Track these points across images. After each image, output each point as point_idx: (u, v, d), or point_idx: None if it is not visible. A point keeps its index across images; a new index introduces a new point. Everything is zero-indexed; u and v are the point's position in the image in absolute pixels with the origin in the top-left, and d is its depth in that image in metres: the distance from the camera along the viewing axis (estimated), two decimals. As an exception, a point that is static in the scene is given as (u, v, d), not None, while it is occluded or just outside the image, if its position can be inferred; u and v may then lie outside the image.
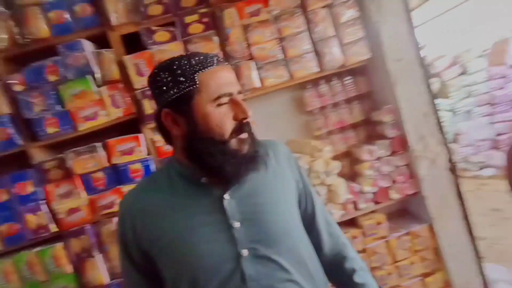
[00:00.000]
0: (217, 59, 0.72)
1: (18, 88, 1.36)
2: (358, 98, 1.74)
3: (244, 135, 0.71)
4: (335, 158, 1.66)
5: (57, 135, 1.40)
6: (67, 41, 1.38)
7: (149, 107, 1.43)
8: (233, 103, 0.70)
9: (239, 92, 0.73)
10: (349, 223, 1.69)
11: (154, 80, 0.72)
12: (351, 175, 1.76)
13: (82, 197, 1.41)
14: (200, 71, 0.68)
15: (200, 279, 0.69)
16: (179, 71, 0.69)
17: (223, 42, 1.50)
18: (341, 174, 1.65)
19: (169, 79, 0.69)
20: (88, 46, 1.41)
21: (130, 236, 0.74)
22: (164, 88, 0.69)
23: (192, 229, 0.70)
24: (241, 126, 0.70)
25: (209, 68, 0.69)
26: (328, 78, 1.68)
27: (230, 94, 0.70)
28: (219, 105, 0.69)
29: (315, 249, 0.83)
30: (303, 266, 0.75)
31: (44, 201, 1.40)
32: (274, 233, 0.72)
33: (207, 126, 0.69)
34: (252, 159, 0.71)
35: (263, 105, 1.74)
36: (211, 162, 0.69)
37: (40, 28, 1.36)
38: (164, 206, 0.73)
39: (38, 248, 1.40)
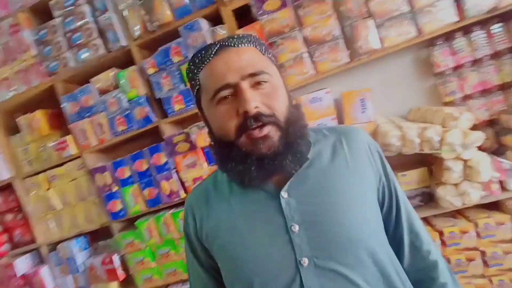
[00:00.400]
0: (217, 47, 0.61)
1: (150, 71, 1.53)
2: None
3: (258, 133, 0.57)
4: (474, 128, 1.37)
5: (183, 111, 1.54)
6: (187, 22, 1.47)
7: (261, 79, 1.44)
8: (237, 93, 0.58)
9: (252, 75, 0.58)
10: (492, 206, 1.40)
11: (187, 78, 0.69)
12: (496, 149, 1.44)
13: (204, 168, 1.54)
14: (200, 69, 0.63)
15: (255, 285, 0.60)
16: (189, 73, 0.66)
17: (337, 1, 1.37)
18: (482, 148, 1.37)
19: (189, 80, 0.67)
20: (204, 25, 1.49)
21: (193, 232, 0.71)
22: (191, 88, 0.68)
23: (248, 230, 0.62)
24: (246, 121, 0.57)
25: (206, 63, 0.62)
26: (466, 30, 1.37)
27: (230, 85, 0.58)
28: (219, 102, 0.60)
29: (397, 253, 0.68)
30: (387, 283, 0.59)
31: (175, 170, 1.58)
32: (341, 240, 0.58)
33: (215, 127, 0.63)
34: (277, 158, 0.58)
35: (381, 69, 1.56)
36: (225, 167, 0.63)
37: (165, 13, 1.49)
38: (222, 205, 0.67)
39: (172, 210, 1.61)
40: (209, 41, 1.47)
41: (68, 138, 1.66)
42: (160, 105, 1.59)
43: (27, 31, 1.62)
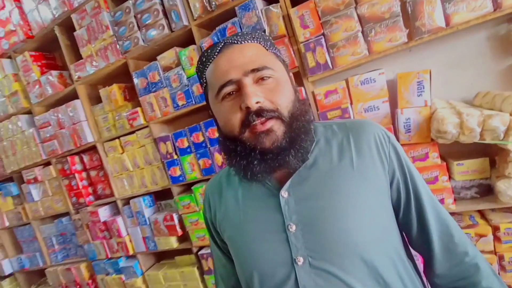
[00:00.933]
0: (222, 45, 0.62)
1: (208, 49, 1.63)
2: None
3: (261, 126, 0.57)
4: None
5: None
6: (243, 2, 1.51)
7: (312, 60, 1.44)
8: (240, 89, 0.59)
9: (254, 71, 0.59)
10: None
11: None
12: None
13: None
14: (206, 67, 0.65)
15: (254, 279, 0.63)
16: (198, 72, 0.68)
17: (397, -26, 1.27)
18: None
19: (198, 78, 0.70)
20: (259, 4, 1.51)
21: (209, 218, 0.77)
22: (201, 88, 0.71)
23: (248, 226, 0.65)
24: (248, 116, 0.57)
25: (211, 61, 0.63)
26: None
27: (233, 81, 0.59)
28: (224, 98, 0.61)
29: (427, 267, 0.65)
30: None
31: (227, 144, 1.71)
32: (336, 245, 0.57)
33: (221, 124, 0.65)
34: (280, 153, 0.58)
35: (445, 49, 1.43)
36: (231, 161, 0.63)
37: (222, -7, 1.54)
38: (230, 198, 0.70)
39: (223, 180, 1.76)
40: (262, 20, 1.50)
41: (139, 109, 1.89)
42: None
43: (105, 13, 1.83)
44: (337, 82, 1.46)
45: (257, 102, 0.57)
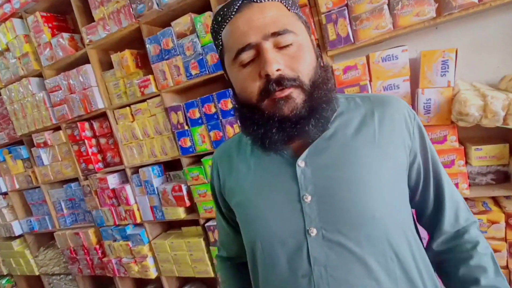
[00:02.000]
0: (240, 3, 0.56)
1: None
2: None
3: (280, 93, 0.54)
4: None
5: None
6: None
7: (333, 32, 1.38)
8: (259, 54, 0.55)
9: (275, 34, 0.54)
10: None
11: None
12: None
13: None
14: (222, 28, 0.59)
15: (262, 245, 0.62)
16: (213, 32, 0.63)
17: None
18: None
19: (213, 40, 0.64)
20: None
21: (216, 186, 0.75)
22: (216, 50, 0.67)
23: (261, 193, 0.63)
24: (267, 85, 0.54)
25: (228, 21, 0.58)
26: None
27: (252, 45, 0.55)
28: (242, 65, 0.57)
29: (432, 234, 0.66)
30: (399, 266, 0.57)
31: (239, 117, 1.68)
32: (353, 218, 0.56)
33: (238, 90, 0.61)
34: (299, 122, 0.55)
35: (474, 27, 1.36)
36: (247, 129, 0.61)
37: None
38: (241, 165, 0.68)
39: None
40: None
41: (151, 77, 1.85)
42: (230, 53, 1.64)
43: (119, -26, 1.76)
44: (357, 58, 1.41)
45: (277, 70, 0.54)
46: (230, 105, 1.68)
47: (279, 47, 0.56)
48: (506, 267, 1.32)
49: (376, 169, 0.58)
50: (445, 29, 1.40)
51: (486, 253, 0.63)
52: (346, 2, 1.34)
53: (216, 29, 0.61)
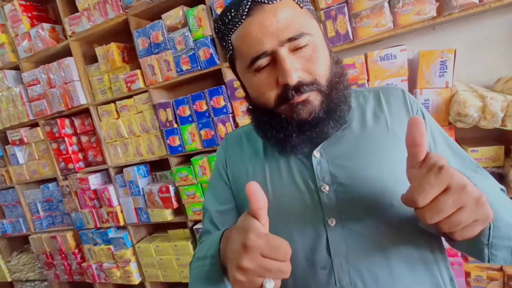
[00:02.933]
0: (249, 4, 0.53)
1: (219, 11, 1.51)
2: None
3: (298, 98, 0.54)
4: None
5: (246, 56, 1.52)
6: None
7: (332, 29, 1.34)
8: (276, 61, 0.54)
9: (290, 39, 0.52)
10: None
11: None
12: None
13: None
14: (231, 32, 0.57)
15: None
16: (219, 33, 0.60)
17: None
18: None
19: (219, 40, 0.62)
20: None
21: (224, 175, 0.72)
22: (223, 50, 0.63)
23: (276, 186, 0.62)
24: (286, 92, 0.53)
25: (238, 25, 0.55)
26: None
27: (268, 53, 0.53)
28: (257, 70, 0.55)
29: None
30: (417, 255, 0.56)
31: (232, 115, 1.62)
32: (370, 205, 0.56)
33: (253, 95, 0.60)
34: (318, 124, 0.56)
35: (473, 29, 1.36)
36: (264, 133, 0.60)
37: None
38: (254, 157, 0.67)
39: (225, 153, 1.68)
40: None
41: (138, 72, 1.76)
42: (224, 48, 1.58)
43: (106, -38, 1.67)
44: (355, 56, 1.38)
45: (296, 77, 0.53)
46: (222, 103, 1.61)
47: (295, 49, 0.54)
48: (501, 269, 1.32)
49: (392, 155, 0.58)
50: (442, 29, 1.39)
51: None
52: (345, -2, 1.31)
53: (223, 31, 0.58)
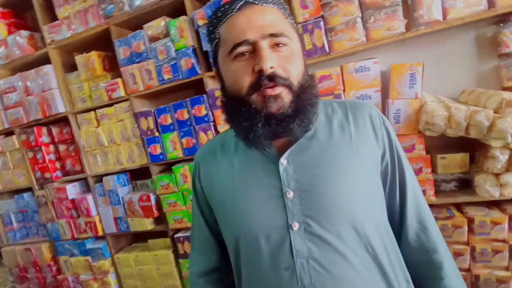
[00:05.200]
0: (242, 3, 0.60)
1: (200, 22, 1.55)
2: None
3: (271, 91, 0.57)
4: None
5: (227, 66, 1.56)
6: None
7: (309, 42, 1.41)
8: (255, 51, 0.58)
9: (272, 35, 0.58)
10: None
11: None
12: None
13: (241, 124, 1.59)
14: (221, 23, 0.62)
15: (246, 242, 0.64)
16: (210, 27, 0.66)
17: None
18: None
19: (208, 35, 0.67)
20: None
21: (198, 186, 0.76)
22: (209, 44, 0.68)
23: (245, 190, 0.65)
24: (259, 79, 0.57)
25: (228, 17, 0.61)
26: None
27: (249, 42, 0.58)
28: (236, 57, 0.59)
29: (396, 237, 0.69)
30: (372, 257, 0.61)
31: (213, 124, 1.65)
32: (331, 212, 0.60)
33: (228, 83, 0.63)
34: (284, 120, 0.58)
35: (437, 44, 1.46)
36: (233, 122, 0.63)
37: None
38: (225, 163, 0.70)
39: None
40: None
41: (119, 81, 1.76)
42: (206, 58, 1.62)
43: (88, -29, 1.68)
44: (331, 68, 1.45)
45: (271, 67, 0.57)
46: (204, 111, 1.64)
47: (274, 47, 0.59)
48: (469, 270, 1.39)
49: (353, 168, 0.63)
50: (411, 44, 1.48)
51: (453, 275, 0.68)
52: (322, 13, 1.38)
53: (214, 23, 0.64)
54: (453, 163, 1.39)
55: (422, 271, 0.70)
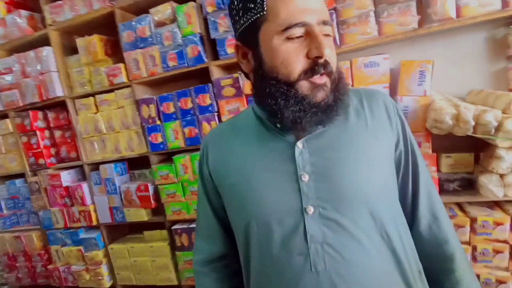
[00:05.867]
0: None
1: (209, 9, 1.51)
2: None
3: (319, 79, 0.57)
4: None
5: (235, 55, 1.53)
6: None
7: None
8: (309, 36, 0.56)
9: (324, 23, 0.57)
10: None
11: (229, 8, 0.65)
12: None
13: (246, 116, 1.56)
14: None
15: (258, 226, 0.63)
16: None
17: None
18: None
19: (240, 5, 0.61)
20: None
21: (207, 170, 0.73)
22: (236, 17, 0.62)
23: (259, 174, 0.63)
24: (315, 66, 0.56)
25: None
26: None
27: (305, 24, 0.55)
28: (290, 38, 0.56)
29: (408, 226, 0.69)
30: (387, 244, 0.61)
31: (217, 114, 1.62)
32: (346, 195, 0.59)
33: (273, 63, 0.59)
34: (326, 109, 0.58)
35: (448, 43, 1.46)
36: (273, 105, 0.60)
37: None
38: (237, 147, 0.68)
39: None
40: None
41: (122, 66, 1.71)
42: (213, 46, 1.59)
43: (94, -48, 1.63)
44: (341, 62, 1.43)
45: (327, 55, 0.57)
46: (208, 101, 1.60)
47: (324, 35, 0.57)
48: (469, 270, 1.39)
49: (368, 153, 0.62)
50: (422, 41, 1.48)
51: (464, 267, 0.68)
52: (334, 5, 1.36)
53: None
54: (458, 162, 1.39)
55: (433, 263, 0.69)
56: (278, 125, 0.63)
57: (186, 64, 1.60)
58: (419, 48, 1.48)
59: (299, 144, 0.62)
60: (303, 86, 0.57)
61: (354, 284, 0.57)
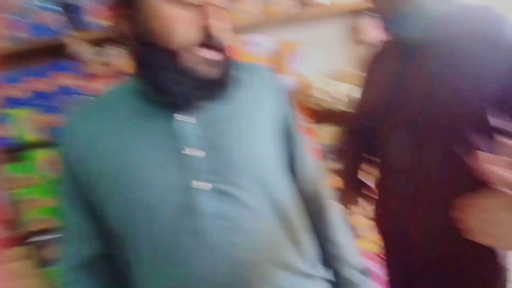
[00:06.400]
0: None
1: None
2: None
3: (205, 53, 0.54)
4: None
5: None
6: None
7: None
8: (200, 4, 0.53)
9: None
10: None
11: None
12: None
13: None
14: None
15: (146, 212, 0.56)
16: None
17: None
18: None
19: None
20: None
21: (67, 162, 0.61)
22: None
23: (138, 152, 0.56)
24: (204, 38, 0.53)
25: None
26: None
27: None
28: (176, 1, 0.52)
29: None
30: (277, 209, 0.62)
31: (84, 96, 1.37)
32: (238, 167, 0.58)
33: (153, 27, 0.54)
34: (213, 84, 0.57)
35: (319, 27, 1.61)
36: (154, 76, 0.55)
37: None
38: (110, 126, 0.59)
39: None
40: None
41: None
42: (73, 14, 1.33)
43: None
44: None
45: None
46: (71, 81, 1.35)
47: (215, 6, 0.55)
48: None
49: (256, 123, 0.63)
50: (299, 24, 1.58)
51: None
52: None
53: None
54: (331, 133, 1.55)
55: (313, 212, 0.73)
56: (159, 99, 0.57)
57: (40, 35, 1.30)
58: (298, 30, 1.59)
59: (185, 118, 0.58)
60: (188, 57, 0.54)
61: (247, 249, 0.57)
